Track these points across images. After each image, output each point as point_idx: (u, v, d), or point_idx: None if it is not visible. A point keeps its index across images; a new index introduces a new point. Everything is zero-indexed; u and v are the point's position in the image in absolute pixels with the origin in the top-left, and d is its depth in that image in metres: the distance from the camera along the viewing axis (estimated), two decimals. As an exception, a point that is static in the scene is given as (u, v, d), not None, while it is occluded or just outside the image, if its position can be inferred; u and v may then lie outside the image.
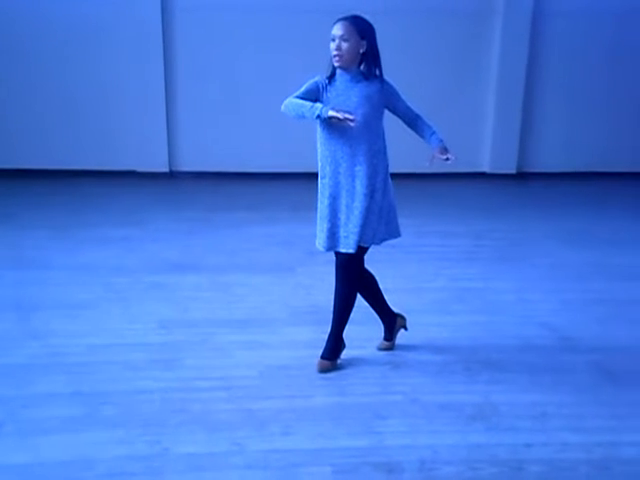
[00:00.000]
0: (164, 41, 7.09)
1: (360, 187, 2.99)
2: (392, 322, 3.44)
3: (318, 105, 2.86)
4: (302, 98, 2.93)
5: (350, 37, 2.89)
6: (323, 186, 3.07)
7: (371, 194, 3.01)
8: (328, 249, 3.10)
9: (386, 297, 3.42)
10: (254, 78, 7.10)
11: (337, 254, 3.12)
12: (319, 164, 3.07)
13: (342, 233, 3.04)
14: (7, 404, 2.86)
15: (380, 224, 3.09)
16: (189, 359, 3.30)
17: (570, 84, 7.67)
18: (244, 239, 5.19)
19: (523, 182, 7.61)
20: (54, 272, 4.48)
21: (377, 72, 3.01)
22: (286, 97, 2.97)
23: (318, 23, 6.58)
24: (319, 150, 3.06)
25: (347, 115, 2.77)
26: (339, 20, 2.95)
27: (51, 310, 3.82)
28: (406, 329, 3.50)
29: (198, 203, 6.36)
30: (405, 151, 7.74)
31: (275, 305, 3.94)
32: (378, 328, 3.49)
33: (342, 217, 3.04)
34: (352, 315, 3.28)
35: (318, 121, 2.95)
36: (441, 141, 3.10)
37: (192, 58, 7.20)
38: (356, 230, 3.00)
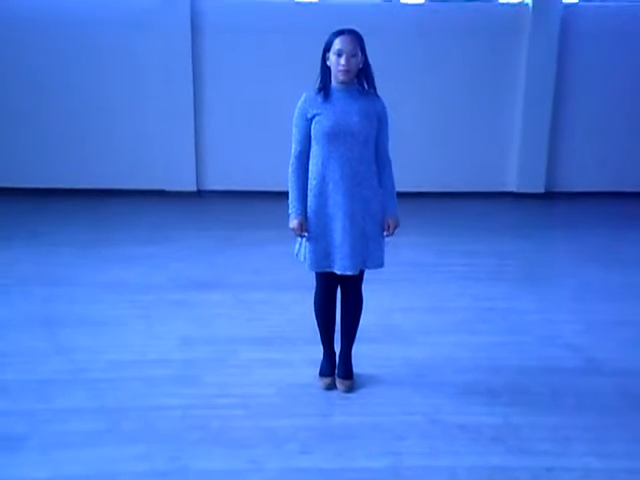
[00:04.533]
0: (193, 61, 7.23)
1: (359, 209, 2.94)
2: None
3: (292, 212, 2.98)
4: (303, 147, 2.94)
5: (357, 52, 2.84)
6: (318, 205, 2.96)
7: (370, 216, 2.98)
8: (319, 269, 3.03)
9: (408, 316, 3.41)
10: (281, 99, 7.19)
11: (342, 277, 3.05)
12: (313, 182, 2.95)
13: (338, 255, 2.96)
14: (31, 418, 2.92)
15: (372, 248, 3.01)
16: (209, 376, 3.33)
17: (598, 102, 7.58)
18: (268, 258, 5.23)
19: (551, 202, 7.52)
20: (81, 289, 4.56)
21: (374, 89, 2.95)
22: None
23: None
24: (315, 168, 2.94)
25: (302, 233, 2.98)
26: (345, 33, 2.84)
27: (77, 327, 3.89)
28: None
29: (224, 222, 6.43)
30: (431, 170, 7.75)
31: (297, 323, 3.95)
32: (397, 347, 3.48)
33: (337, 238, 2.95)
34: (371, 334, 3.28)
35: (316, 139, 2.91)
36: (394, 213, 3.03)
37: (220, 78, 7.32)
38: (358, 252, 2.96)
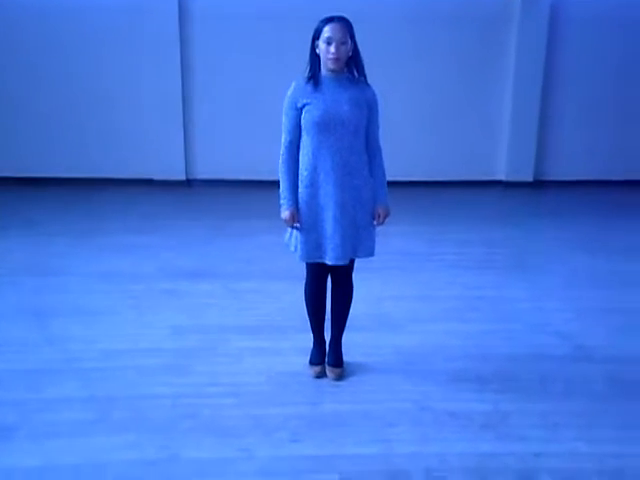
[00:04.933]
0: (181, 50, 7.18)
1: (350, 198, 2.94)
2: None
3: (283, 202, 2.95)
4: (293, 137, 2.91)
5: (347, 40, 2.80)
6: (309, 195, 2.94)
7: (360, 205, 2.97)
8: (310, 259, 3.02)
9: (399, 305, 3.42)
10: (270, 87, 7.15)
11: (333, 266, 3.04)
12: (304, 172, 2.93)
13: (329, 245, 2.95)
14: (21, 408, 2.91)
15: (362, 237, 3.01)
16: (200, 365, 3.33)
17: (587, 91, 7.59)
18: (258, 247, 5.22)
19: (540, 190, 7.55)
20: (73, 278, 4.54)
21: (364, 77, 2.92)
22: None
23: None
24: (306, 159, 2.91)
25: (294, 224, 2.95)
26: (335, 21, 2.80)
27: (69, 317, 3.88)
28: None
29: (214, 211, 6.41)
30: (420, 158, 7.75)
31: (287, 312, 3.94)
32: (387, 335, 3.49)
33: (328, 228, 2.94)
34: (361, 322, 3.29)
35: (306, 129, 2.89)
36: (385, 202, 3.03)
37: (209, 67, 7.27)
38: (349, 241, 2.96)
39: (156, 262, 4.89)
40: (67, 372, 3.22)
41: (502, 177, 7.78)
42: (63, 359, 3.36)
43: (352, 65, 2.90)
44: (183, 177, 7.48)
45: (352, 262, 3.10)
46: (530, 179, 7.72)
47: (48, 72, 7.20)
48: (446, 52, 7.40)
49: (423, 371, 3.30)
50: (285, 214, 2.97)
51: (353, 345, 3.41)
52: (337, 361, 3.24)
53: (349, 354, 3.33)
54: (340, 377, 3.21)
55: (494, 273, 4.77)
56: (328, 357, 3.26)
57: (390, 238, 5.22)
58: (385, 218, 3.07)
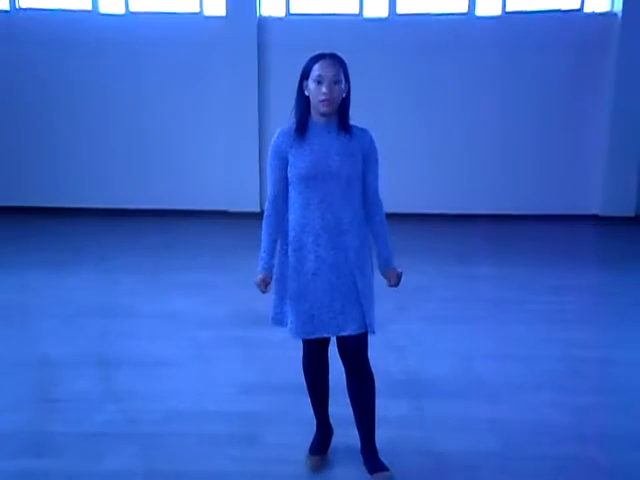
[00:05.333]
0: (259, 81, 7.17)
1: (346, 260, 2.50)
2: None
3: (259, 263, 2.56)
4: (279, 191, 2.53)
5: (340, 78, 2.43)
6: (297, 260, 2.52)
7: (359, 269, 2.51)
8: (304, 335, 2.56)
9: (491, 366, 2.97)
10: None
11: (341, 344, 2.59)
12: (291, 233, 2.53)
13: (328, 315, 2.51)
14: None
15: (365, 307, 2.52)
16: (270, 434, 2.98)
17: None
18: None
19: (643, 226, 6.90)
20: (141, 321, 4.36)
21: (348, 123, 2.51)
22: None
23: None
24: (293, 217, 2.53)
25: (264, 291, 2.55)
26: (326, 57, 2.45)
27: (133, 368, 3.65)
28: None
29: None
30: (504, 190, 7.22)
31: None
32: (480, 405, 3.02)
33: (324, 297, 2.51)
34: (448, 386, 2.86)
35: (292, 184, 2.51)
36: (389, 261, 2.59)
37: (285, 98, 7.13)
38: (350, 309, 2.50)
39: (228, 304, 4.65)
40: (126, 437, 2.95)
41: (597, 211, 7.19)
42: (123, 420, 3.10)
43: (344, 109, 2.50)
44: (257, 209, 7.35)
45: (363, 344, 2.59)
46: (631, 214, 7.08)
47: (123, 105, 7.39)
48: (535, 78, 6.95)
49: (527, 457, 2.81)
50: (257, 278, 2.55)
51: (440, 415, 3.01)
52: (378, 465, 2.64)
53: (435, 425, 2.93)
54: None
55: (598, 328, 4.24)
56: (366, 466, 2.69)
57: (477, 282, 4.77)
58: (399, 280, 2.62)
